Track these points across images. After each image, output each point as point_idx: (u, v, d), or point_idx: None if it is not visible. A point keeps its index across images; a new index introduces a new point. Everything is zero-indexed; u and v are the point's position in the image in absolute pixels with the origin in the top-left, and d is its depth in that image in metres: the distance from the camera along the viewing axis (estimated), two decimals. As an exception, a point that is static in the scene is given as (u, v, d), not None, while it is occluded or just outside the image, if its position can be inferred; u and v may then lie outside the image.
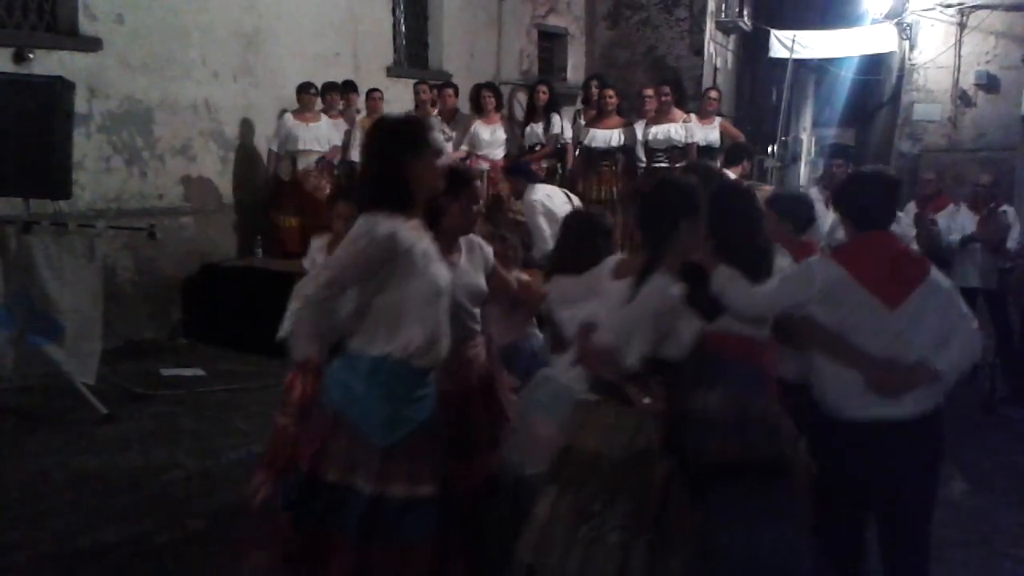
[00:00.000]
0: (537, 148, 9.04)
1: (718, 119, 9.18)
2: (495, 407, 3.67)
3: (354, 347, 3.01)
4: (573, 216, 4.53)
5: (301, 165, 8.90)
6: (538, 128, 9.07)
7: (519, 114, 10.35)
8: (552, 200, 7.00)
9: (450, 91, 9.65)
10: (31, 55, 7.03)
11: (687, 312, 3.02)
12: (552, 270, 3.89)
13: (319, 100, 9.00)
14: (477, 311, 3.61)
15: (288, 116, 8.86)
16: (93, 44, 7.56)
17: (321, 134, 8.95)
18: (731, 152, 7.66)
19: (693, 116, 8.98)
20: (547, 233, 6.61)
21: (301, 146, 8.85)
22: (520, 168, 7.65)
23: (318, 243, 4.64)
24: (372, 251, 2.91)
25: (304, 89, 8.86)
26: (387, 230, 2.90)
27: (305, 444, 3.10)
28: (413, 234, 2.98)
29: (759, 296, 3.25)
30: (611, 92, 8.97)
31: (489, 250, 3.69)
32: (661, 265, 3.04)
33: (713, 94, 9.39)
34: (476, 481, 3.46)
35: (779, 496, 3.19)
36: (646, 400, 3.02)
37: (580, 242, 3.83)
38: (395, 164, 3.00)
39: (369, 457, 2.94)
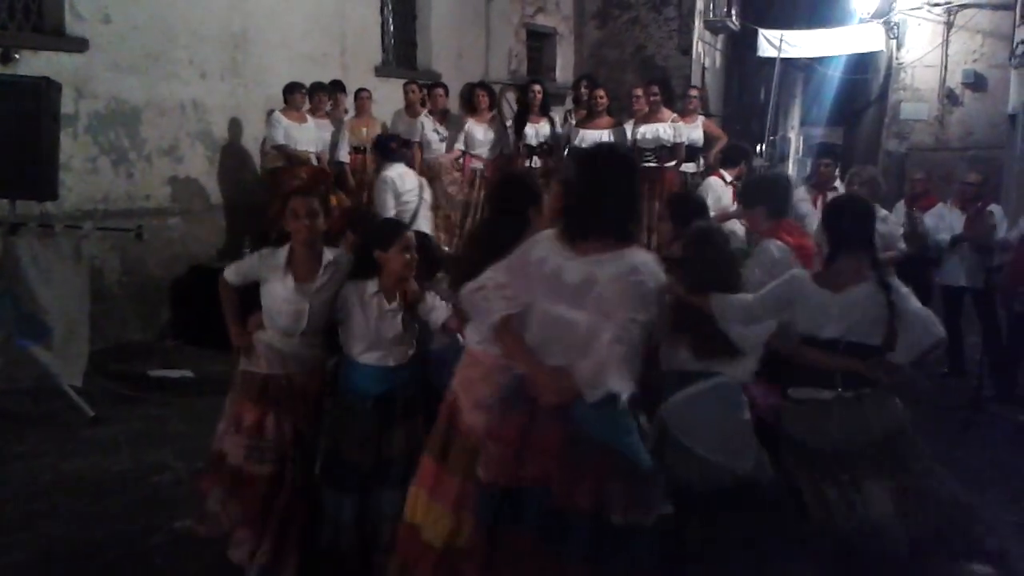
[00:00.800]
0: (544, 147, 9.02)
1: (701, 118, 9.20)
2: None
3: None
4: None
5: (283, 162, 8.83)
6: (543, 127, 9.05)
7: (508, 114, 10.33)
8: (403, 181, 7.21)
9: (440, 91, 9.64)
10: (17, 55, 6.99)
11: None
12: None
13: (307, 100, 8.94)
14: None
15: (279, 115, 8.73)
16: (80, 44, 7.53)
17: (311, 135, 8.91)
18: (730, 152, 7.64)
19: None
20: (390, 209, 6.96)
21: (295, 146, 8.80)
22: (381, 144, 7.65)
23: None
24: None
25: (293, 89, 8.80)
26: None
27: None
28: None
29: (755, 305, 3.49)
30: (601, 92, 8.97)
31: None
32: None
33: (694, 92, 9.40)
34: None
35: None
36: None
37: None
38: None
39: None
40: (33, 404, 6.05)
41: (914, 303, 3.49)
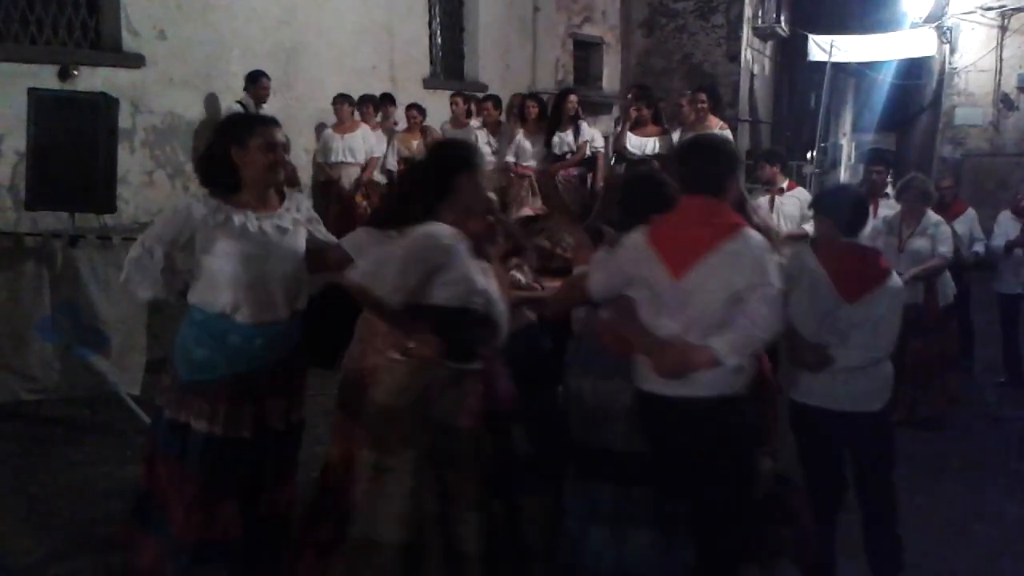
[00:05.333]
0: (568, 156, 9.02)
1: (718, 122, 8.92)
2: None
3: None
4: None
5: (335, 176, 9.04)
6: (567, 136, 9.05)
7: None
8: None
9: (490, 104, 9.70)
10: (76, 72, 7.16)
11: (460, 261, 3.08)
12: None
13: (354, 110, 9.09)
14: None
15: (328, 129, 9.00)
16: (136, 60, 7.70)
17: (356, 145, 9.04)
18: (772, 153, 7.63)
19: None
20: None
21: (334, 158, 8.99)
22: None
23: None
24: None
25: (337, 100, 8.99)
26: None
27: None
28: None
29: None
30: (642, 106, 8.92)
31: None
32: (435, 216, 3.13)
33: (702, 96, 8.90)
34: None
35: (645, 498, 3.28)
36: (411, 346, 3.10)
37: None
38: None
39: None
40: (91, 412, 6.16)
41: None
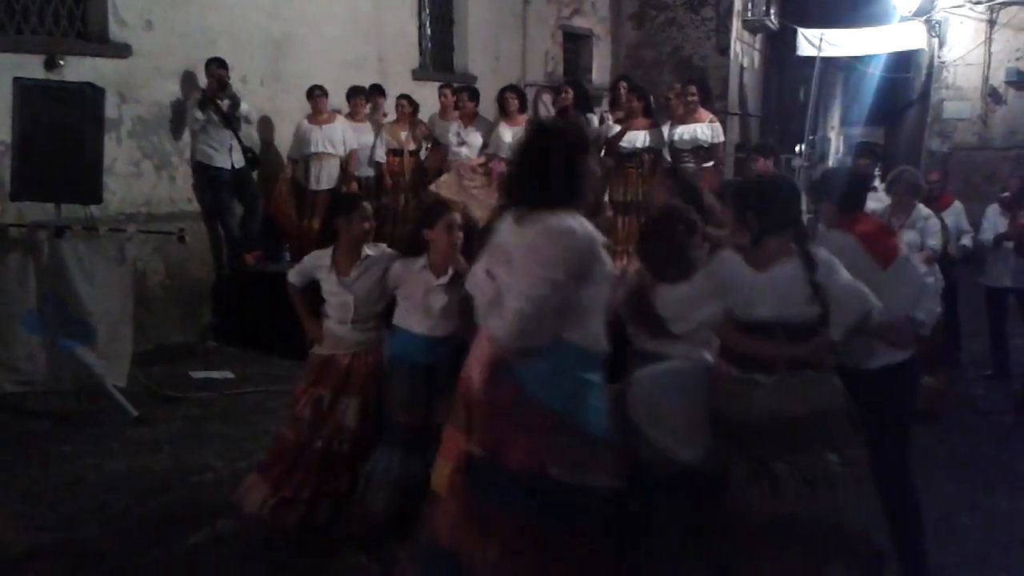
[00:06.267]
0: None
1: (709, 114, 8.89)
2: None
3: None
4: None
5: (314, 168, 8.98)
6: None
7: (544, 116, 10.31)
8: None
9: (465, 95, 9.60)
10: (62, 61, 7.11)
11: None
12: None
13: (326, 102, 9.05)
14: None
15: (302, 120, 8.95)
16: (123, 50, 7.64)
17: (335, 136, 9.00)
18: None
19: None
20: None
21: (313, 149, 8.93)
22: None
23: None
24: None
25: (312, 92, 8.94)
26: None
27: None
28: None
29: (691, 292, 3.46)
30: (634, 96, 8.90)
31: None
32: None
33: (692, 89, 8.85)
34: None
35: None
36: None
37: None
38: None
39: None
40: (77, 404, 6.13)
41: (843, 276, 3.28)
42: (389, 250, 4.36)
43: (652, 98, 9.09)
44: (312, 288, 4.42)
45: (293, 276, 4.50)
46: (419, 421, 4.06)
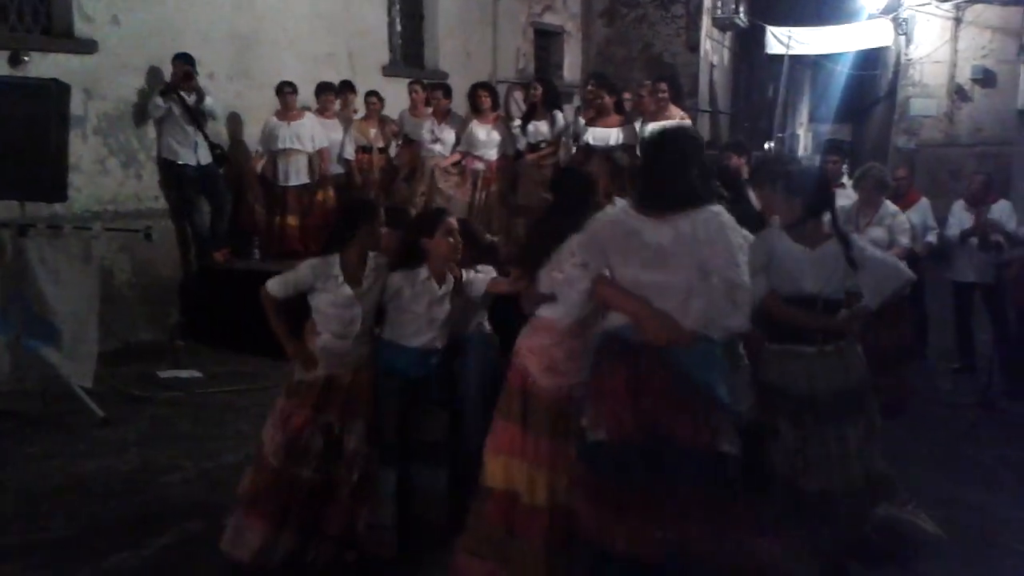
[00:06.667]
0: (543, 145, 8.95)
1: (679, 111, 8.91)
2: None
3: None
4: None
5: (282, 164, 8.88)
6: (542, 126, 8.98)
7: (516, 113, 10.30)
8: None
9: (440, 93, 9.55)
10: (26, 57, 7.02)
11: None
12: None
13: (295, 98, 8.96)
14: None
15: (271, 116, 8.88)
16: (88, 46, 7.55)
17: (304, 132, 8.91)
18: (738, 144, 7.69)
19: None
20: None
21: (281, 145, 8.83)
22: None
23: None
24: None
25: (281, 88, 8.87)
26: None
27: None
28: None
29: None
30: (603, 93, 8.89)
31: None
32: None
33: (663, 86, 8.71)
34: None
35: None
36: None
37: None
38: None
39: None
40: (42, 405, 6.06)
41: (874, 252, 3.78)
42: (381, 257, 4.05)
43: (619, 96, 9.10)
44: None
45: (277, 287, 3.95)
46: (413, 435, 4.00)
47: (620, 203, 3.60)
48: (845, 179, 7.24)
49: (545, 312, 3.61)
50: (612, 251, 3.20)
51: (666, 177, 3.17)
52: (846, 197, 6.56)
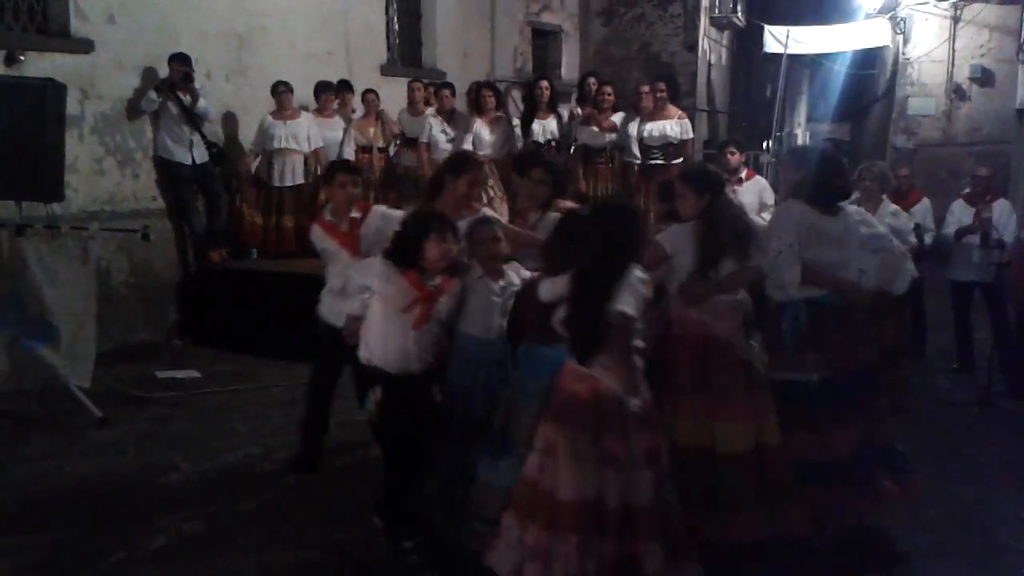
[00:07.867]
0: (552, 144, 8.95)
1: (677, 111, 8.94)
2: None
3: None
4: None
5: (277, 164, 8.81)
6: (550, 124, 8.98)
7: (514, 112, 10.29)
8: None
9: (447, 92, 9.56)
10: (22, 57, 7.00)
11: None
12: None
13: (291, 97, 8.91)
14: None
15: (266, 115, 8.82)
16: (85, 45, 7.53)
17: (300, 131, 8.86)
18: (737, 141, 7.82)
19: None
20: None
21: (276, 144, 8.78)
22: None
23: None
24: None
25: (276, 88, 8.82)
26: None
27: None
28: None
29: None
30: (609, 89, 8.93)
31: None
32: None
33: (661, 86, 8.94)
34: None
35: None
36: None
37: None
38: None
39: None
40: (40, 405, 6.05)
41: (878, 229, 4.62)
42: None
43: (617, 94, 9.15)
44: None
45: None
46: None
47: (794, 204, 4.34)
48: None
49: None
50: (800, 237, 4.14)
51: (835, 185, 4.32)
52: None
